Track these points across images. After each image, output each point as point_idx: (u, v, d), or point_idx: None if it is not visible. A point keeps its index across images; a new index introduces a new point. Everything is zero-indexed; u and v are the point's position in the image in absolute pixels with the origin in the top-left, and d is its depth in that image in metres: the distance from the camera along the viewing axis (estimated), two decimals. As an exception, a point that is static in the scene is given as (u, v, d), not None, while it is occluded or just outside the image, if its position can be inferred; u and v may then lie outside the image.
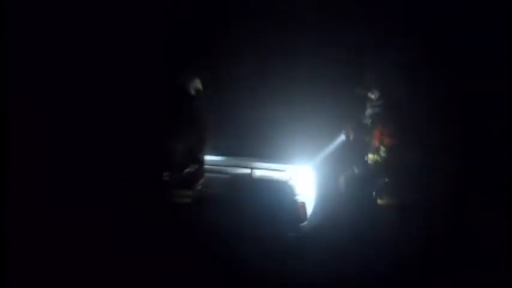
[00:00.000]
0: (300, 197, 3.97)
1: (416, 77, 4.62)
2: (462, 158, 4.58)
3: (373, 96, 4.44)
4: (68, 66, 4.40)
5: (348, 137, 4.43)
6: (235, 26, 5.28)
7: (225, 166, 4.16)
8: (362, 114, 4.54)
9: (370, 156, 4.42)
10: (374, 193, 4.37)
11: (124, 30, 4.62)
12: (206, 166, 3.89)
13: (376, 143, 4.37)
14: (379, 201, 4.39)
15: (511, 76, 4.56)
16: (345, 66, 4.89)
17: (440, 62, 4.73)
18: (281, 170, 4.02)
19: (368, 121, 4.47)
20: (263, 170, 4.10)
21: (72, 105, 4.33)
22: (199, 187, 3.75)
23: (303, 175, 4.10)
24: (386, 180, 4.33)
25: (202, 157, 3.73)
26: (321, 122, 4.52)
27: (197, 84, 3.86)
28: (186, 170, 3.62)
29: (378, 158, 4.34)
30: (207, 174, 3.88)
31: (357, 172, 4.38)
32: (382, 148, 4.35)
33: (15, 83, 4.12)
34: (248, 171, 4.10)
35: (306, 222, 3.93)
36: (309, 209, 3.98)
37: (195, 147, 3.69)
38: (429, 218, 4.31)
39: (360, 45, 4.87)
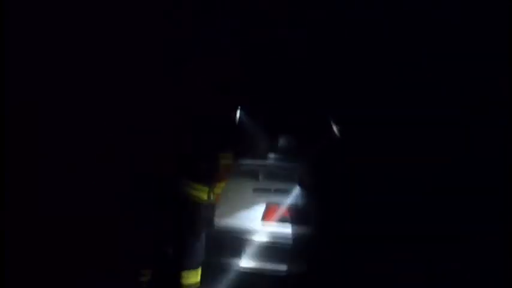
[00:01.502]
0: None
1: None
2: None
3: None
4: (68, 66, 4.39)
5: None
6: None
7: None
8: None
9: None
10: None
11: (126, 29, 4.62)
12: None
13: None
14: None
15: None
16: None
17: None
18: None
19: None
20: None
21: (73, 105, 4.32)
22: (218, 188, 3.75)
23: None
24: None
25: (221, 156, 3.72)
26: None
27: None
28: (204, 165, 3.61)
29: None
30: None
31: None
32: None
33: (15, 83, 4.12)
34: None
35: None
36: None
37: (216, 143, 3.70)
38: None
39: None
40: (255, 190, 4.07)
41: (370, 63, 4.91)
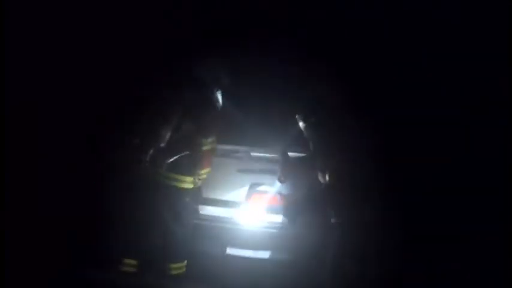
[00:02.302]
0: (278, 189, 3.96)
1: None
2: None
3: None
4: (68, 66, 4.40)
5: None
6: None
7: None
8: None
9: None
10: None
11: (126, 27, 4.62)
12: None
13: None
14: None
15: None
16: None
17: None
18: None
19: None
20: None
21: (73, 105, 4.33)
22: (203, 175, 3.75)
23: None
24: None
25: (202, 142, 3.71)
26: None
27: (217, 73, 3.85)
28: (183, 154, 3.60)
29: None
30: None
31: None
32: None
33: (15, 83, 4.12)
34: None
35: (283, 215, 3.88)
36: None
37: (194, 132, 3.68)
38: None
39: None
40: (240, 170, 4.02)
41: (369, 63, 4.91)
